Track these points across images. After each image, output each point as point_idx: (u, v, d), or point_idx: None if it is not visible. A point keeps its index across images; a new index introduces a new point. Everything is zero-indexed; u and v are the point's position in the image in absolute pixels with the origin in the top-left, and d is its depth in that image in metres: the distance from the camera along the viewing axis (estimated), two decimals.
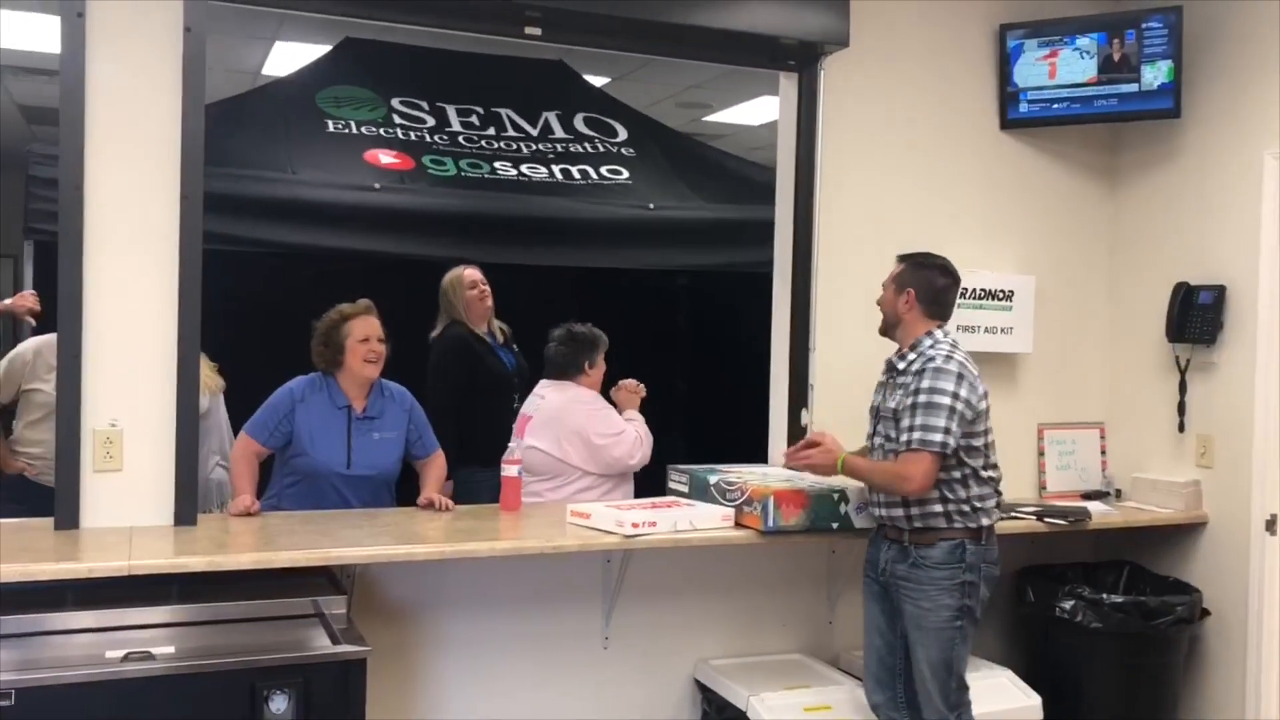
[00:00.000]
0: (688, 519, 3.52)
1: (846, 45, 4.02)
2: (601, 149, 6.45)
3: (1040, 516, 4.04)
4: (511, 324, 5.40)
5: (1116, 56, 4.27)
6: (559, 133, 6.50)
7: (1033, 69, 4.41)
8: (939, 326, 3.47)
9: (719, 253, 6.12)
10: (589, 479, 4.21)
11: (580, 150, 6.36)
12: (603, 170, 6.21)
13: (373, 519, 3.66)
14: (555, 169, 6.09)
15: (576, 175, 6.10)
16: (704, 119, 8.97)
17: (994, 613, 4.49)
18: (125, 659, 2.75)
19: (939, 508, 3.34)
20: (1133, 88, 4.26)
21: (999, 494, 3.45)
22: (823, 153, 4.18)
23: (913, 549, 3.36)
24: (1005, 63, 4.46)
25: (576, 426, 4.23)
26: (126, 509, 3.39)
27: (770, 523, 3.51)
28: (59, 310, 3.35)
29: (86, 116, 3.31)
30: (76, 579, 2.93)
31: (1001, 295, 4.45)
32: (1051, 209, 4.69)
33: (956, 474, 3.33)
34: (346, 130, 5.91)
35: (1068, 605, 4.05)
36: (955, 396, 3.28)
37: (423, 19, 3.70)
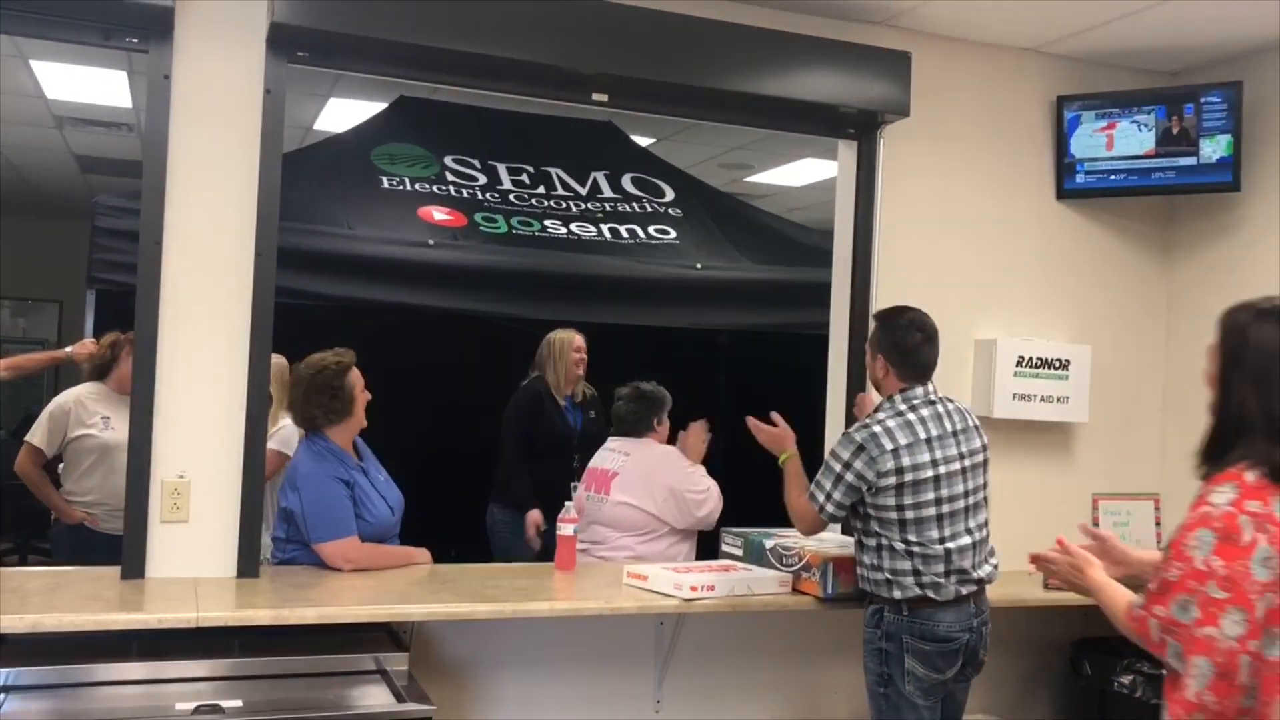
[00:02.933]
0: (745, 583, 3.52)
1: (907, 115, 4.07)
2: (649, 209, 6.52)
3: None
4: None
5: (1175, 130, 4.30)
6: (608, 192, 6.58)
7: (1090, 140, 4.45)
8: (918, 385, 3.43)
9: (764, 313, 6.16)
10: (675, 535, 4.26)
11: (628, 210, 6.44)
12: (650, 230, 6.28)
13: (431, 574, 3.68)
14: (604, 228, 6.16)
15: (625, 234, 6.16)
16: (745, 179, 9.06)
17: (1048, 686, 4.45)
18: (195, 712, 2.76)
19: (861, 570, 3.42)
20: (1191, 161, 4.29)
21: (953, 568, 3.27)
22: (880, 219, 4.22)
23: None
24: (1062, 134, 4.50)
25: (671, 484, 4.27)
26: (191, 560, 3.43)
27: (829, 589, 3.51)
28: (134, 362, 3.41)
29: (168, 174, 3.39)
30: (140, 629, 2.95)
31: (1058, 364, 4.46)
32: (1107, 279, 4.71)
33: (870, 542, 3.35)
34: (401, 187, 6.01)
35: (1126, 680, 4.00)
36: (846, 466, 3.32)
37: (498, 85, 3.78)
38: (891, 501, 3.29)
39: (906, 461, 3.29)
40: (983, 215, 4.49)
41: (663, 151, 7.46)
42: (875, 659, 3.34)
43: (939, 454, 3.32)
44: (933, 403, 3.42)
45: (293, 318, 5.02)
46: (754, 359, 7.28)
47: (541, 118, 6.90)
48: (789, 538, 3.84)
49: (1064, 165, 4.52)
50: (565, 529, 3.83)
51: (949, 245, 4.45)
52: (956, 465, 3.35)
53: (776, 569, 3.67)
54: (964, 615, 3.30)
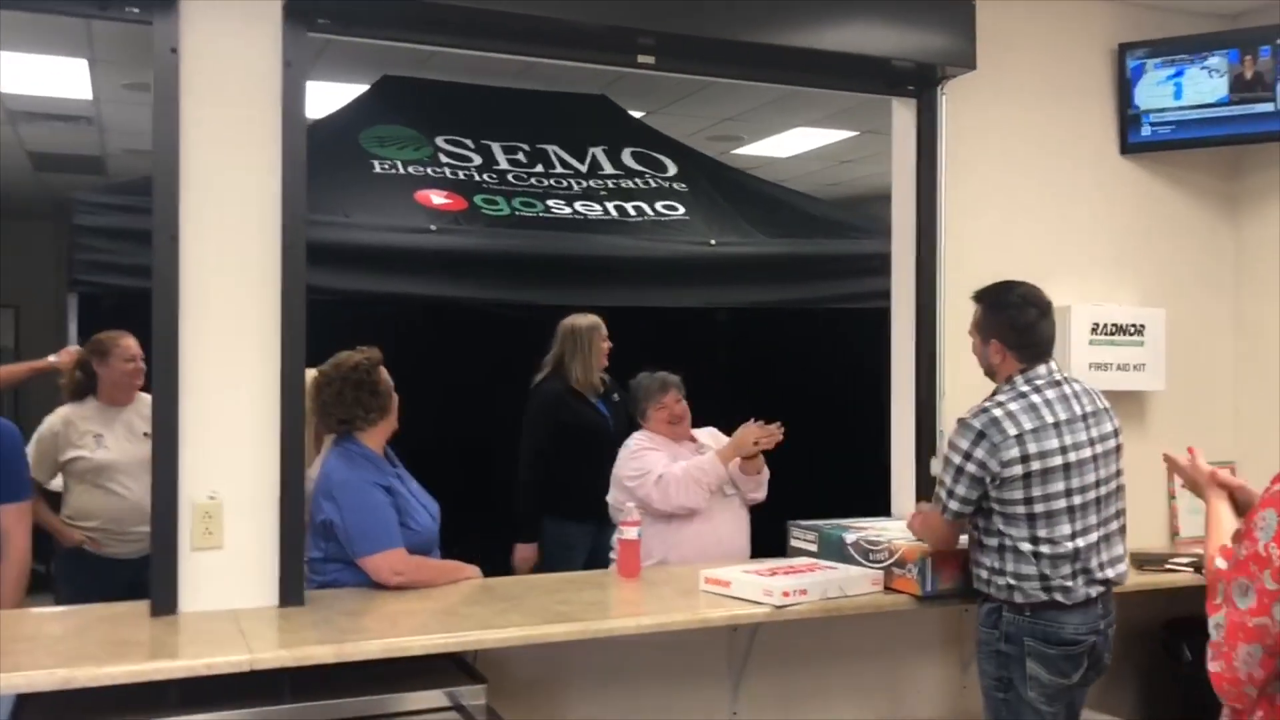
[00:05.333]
0: (837, 585, 3.24)
1: (973, 67, 3.78)
2: (654, 184, 6.23)
3: (1197, 568, 3.76)
4: None
5: (1249, 74, 4.05)
6: (608, 168, 6.28)
7: (1155, 90, 4.18)
8: (1039, 364, 3.14)
9: (784, 289, 5.87)
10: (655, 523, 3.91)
11: (632, 186, 6.14)
12: (658, 206, 5.98)
13: (488, 590, 3.36)
14: (609, 206, 5.86)
15: (632, 212, 5.87)
16: (733, 151, 8.80)
17: (1135, 673, 4.22)
18: None
19: (979, 570, 3.14)
20: (1268, 107, 4.03)
21: (1080, 568, 3.01)
22: (944, 183, 3.92)
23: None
24: (1125, 84, 4.23)
25: (616, 471, 4.06)
26: (228, 589, 3.07)
27: (929, 586, 3.23)
28: (153, 372, 3.05)
29: (180, 160, 3.01)
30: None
31: (1133, 330, 4.20)
32: (1173, 237, 4.46)
33: (992, 542, 3.08)
34: (394, 171, 5.67)
35: None
36: (967, 456, 3.04)
37: (538, 49, 3.43)
38: (1019, 494, 3.01)
39: (1033, 448, 3.00)
40: (1046, 175, 4.22)
41: (652, 124, 7.16)
42: (993, 662, 3.07)
43: (1068, 439, 3.04)
44: (1058, 383, 3.14)
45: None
46: (762, 337, 7.04)
47: (531, 93, 6.62)
48: (869, 529, 3.56)
49: (1128, 118, 4.25)
50: (629, 533, 3.52)
51: (1012, 208, 4.17)
52: (1087, 452, 3.07)
53: (864, 565, 3.38)
54: (1091, 618, 3.03)
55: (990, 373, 3.23)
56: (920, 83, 3.89)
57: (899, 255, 4.07)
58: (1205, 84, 4.11)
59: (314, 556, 3.36)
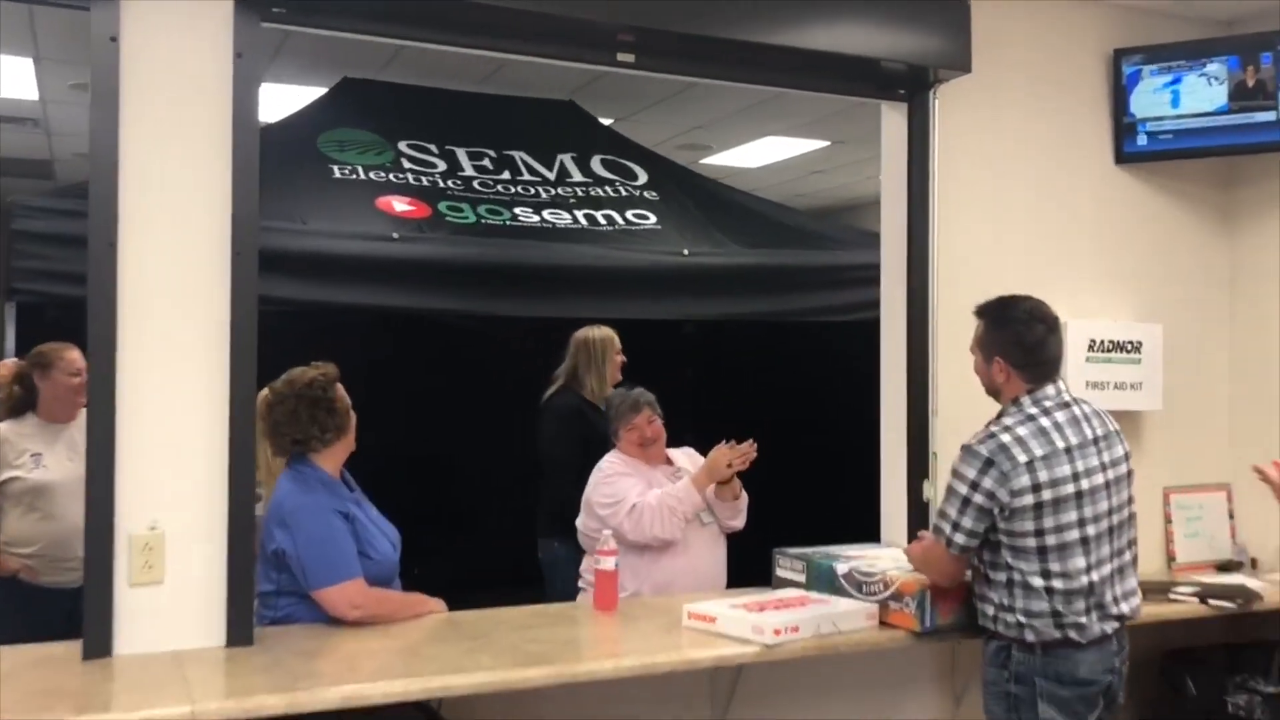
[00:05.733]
0: (831, 620, 3.02)
1: (968, 70, 3.60)
2: (624, 192, 6.04)
3: (1203, 598, 3.59)
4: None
5: (1250, 82, 3.89)
6: (577, 176, 6.09)
7: (1152, 98, 4.02)
8: (1047, 384, 2.96)
9: (760, 301, 5.68)
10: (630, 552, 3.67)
11: (602, 194, 5.95)
12: (628, 215, 5.78)
13: (453, 626, 3.11)
14: (579, 214, 5.66)
15: (602, 221, 5.66)
16: (702, 161, 8.64)
17: (1135, 704, 4.03)
18: None
19: (986, 606, 2.93)
20: (1270, 116, 3.87)
21: (1095, 602, 2.82)
22: (936, 192, 3.73)
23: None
24: (1120, 91, 4.07)
25: (588, 496, 3.83)
26: (169, 629, 2.80)
27: (928, 622, 3.02)
28: (89, 391, 2.78)
29: (120, 159, 2.76)
30: None
31: (1130, 347, 4.03)
32: (1167, 249, 4.29)
33: (999, 576, 2.87)
34: (354, 176, 5.45)
35: (1241, 700, 3.60)
36: (974, 486, 2.83)
37: (509, 45, 3.20)
38: (1029, 525, 2.81)
39: (1044, 476, 2.80)
40: (1039, 185, 4.03)
41: (621, 132, 6.96)
42: (1002, 704, 2.87)
43: (1080, 466, 2.85)
44: (1067, 405, 2.95)
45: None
46: (732, 350, 6.84)
47: (497, 98, 6.44)
48: (860, 558, 3.36)
49: (1123, 126, 4.08)
50: (605, 563, 3.29)
51: (1003, 218, 3.98)
52: (1100, 479, 2.88)
53: (856, 598, 3.17)
54: (1106, 656, 2.83)
55: (994, 393, 3.04)
56: (912, 86, 3.70)
57: (889, 266, 3.88)
58: (1204, 92, 3.95)
59: (265, 589, 3.10)
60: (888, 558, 3.38)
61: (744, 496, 3.83)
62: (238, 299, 2.84)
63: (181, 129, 2.84)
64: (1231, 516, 4.25)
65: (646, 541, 3.64)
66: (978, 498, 2.82)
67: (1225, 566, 4.12)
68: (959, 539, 2.86)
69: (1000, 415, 2.96)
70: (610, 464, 3.85)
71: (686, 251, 5.46)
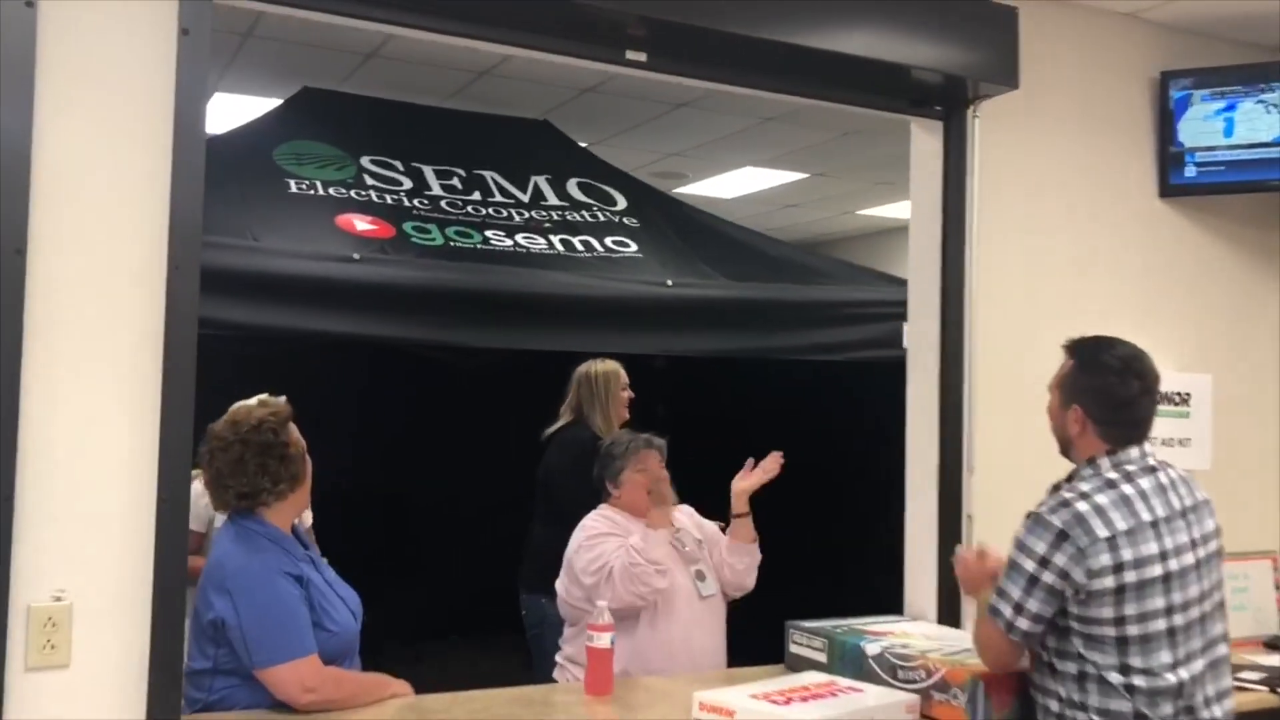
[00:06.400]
0: (867, 714, 2.58)
1: (1015, 86, 3.21)
2: (602, 218, 5.64)
3: (1274, 687, 3.19)
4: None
5: None
6: (552, 199, 5.68)
7: (1202, 126, 3.67)
8: (1132, 446, 2.55)
9: (752, 338, 5.26)
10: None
11: (579, 219, 5.54)
12: (608, 242, 5.38)
13: (419, 713, 2.64)
14: (555, 239, 5.24)
15: (580, 247, 5.25)
16: (675, 190, 8.29)
17: None
18: None
19: (1049, 701, 2.49)
20: None
21: (1181, 708, 2.40)
22: (975, 220, 3.34)
23: None
24: (1168, 117, 3.72)
25: (570, 559, 3.37)
26: None
27: (980, 716, 2.59)
28: None
29: (33, 152, 2.28)
30: None
31: (1178, 399, 3.67)
32: (1214, 293, 3.93)
33: (1069, 668, 2.44)
34: (312, 192, 5.02)
35: None
36: (1044, 563, 2.40)
37: (501, 34, 2.76)
38: (1109, 613, 2.38)
39: (1128, 555, 2.38)
40: (1080, 216, 3.66)
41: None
42: None
43: (1169, 543, 2.43)
44: (1153, 469, 2.53)
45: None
46: (707, 387, 6.44)
47: (468, 115, 6.06)
48: (889, 633, 2.93)
49: (1169, 156, 3.73)
50: (600, 640, 2.82)
51: (1040, 251, 3.61)
52: (1190, 558, 2.47)
53: (892, 685, 2.74)
54: None
55: (1063, 444, 2.62)
56: (949, 101, 3.31)
57: (919, 301, 3.47)
58: (1261, 120, 3.61)
59: (198, 668, 2.60)
60: (919, 635, 2.96)
61: (756, 542, 3.41)
62: (174, 322, 2.37)
63: (112, 117, 2.38)
64: (1278, 587, 3.88)
65: (626, 607, 3.18)
66: (1048, 576, 2.40)
67: (1272, 644, 3.73)
68: (1021, 624, 2.43)
69: (1073, 478, 2.55)
70: (595, 523, 3.40)
71: (670, 282, 5.04)
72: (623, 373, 4.49)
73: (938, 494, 3.31)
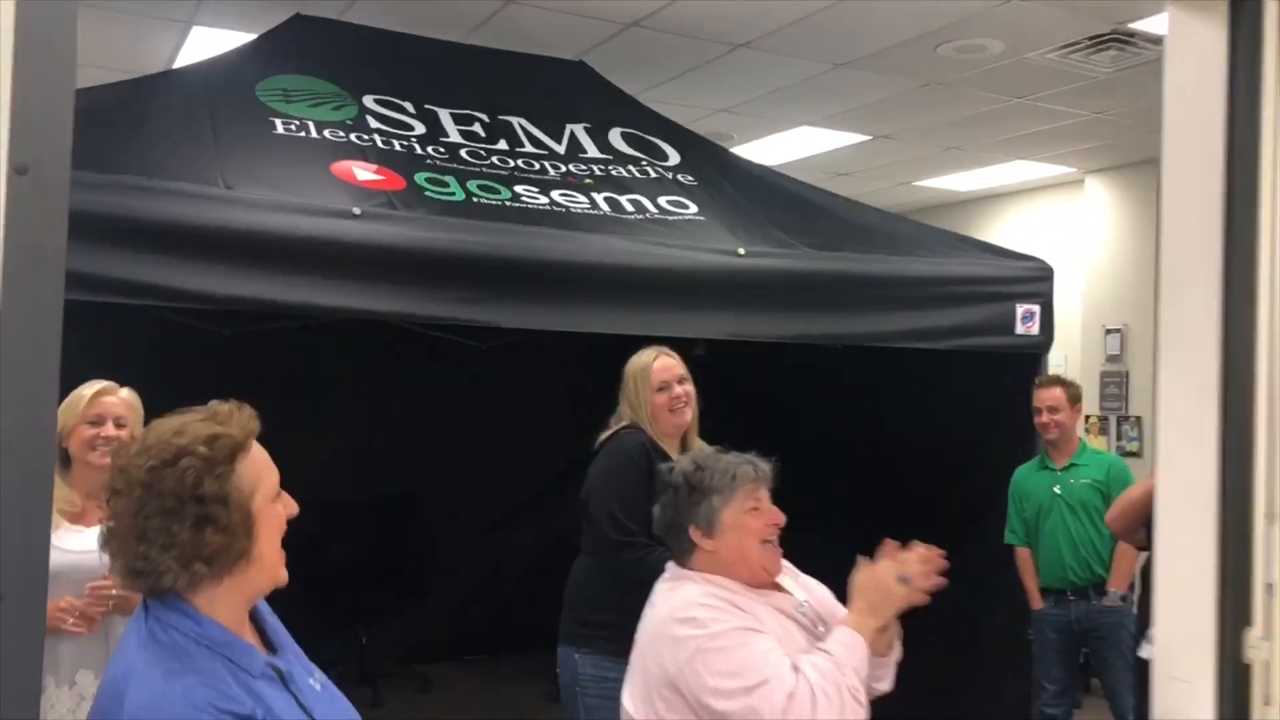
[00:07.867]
0: None
1: None
2: (653, 174, 4.71)
3: None
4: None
5: None
6: (592, 151, 4.77)
7: None
8: None
9: (837, 320, 4.31)
10: None
11: (625, 174, 4.63)
12: (661, 202, 4.43)
13: None
14: (598, 198, 4.31)
15: (629, 207, 4.30)
16: None
17: None
18: None
19: None
20: None
21: None
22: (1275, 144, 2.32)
23: None
24: None
25: (673, 673, 2.15)
26: None
27: None
28: None
29: None
30: None
31: None
32: None
33: None
34: (304, 134, 4.15)
35: None
36: None
37: None
38: None
39: None
40: None
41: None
42: None
43: None
44: None
45: (136, 332, 3.69)
46: (754, 379, 5.52)
47: (491, 52, 5.17)
48: None
49: None
50: None
51: None
52: None
53: None
54: None
55: None
56: None
57: (1178, 263, 2.39)
58: None
59: None
60: None
61: (899, 641, 2.35)
62: (17, 264, 1.39)
63: None
64: None
65: None
66: None
67: None
68: None
69: None
70: (704, 602, 2.20)
71: (742, 250, 4.09)
72: (656, 368, 3.48)
73: (1217, 555, 2.23)
